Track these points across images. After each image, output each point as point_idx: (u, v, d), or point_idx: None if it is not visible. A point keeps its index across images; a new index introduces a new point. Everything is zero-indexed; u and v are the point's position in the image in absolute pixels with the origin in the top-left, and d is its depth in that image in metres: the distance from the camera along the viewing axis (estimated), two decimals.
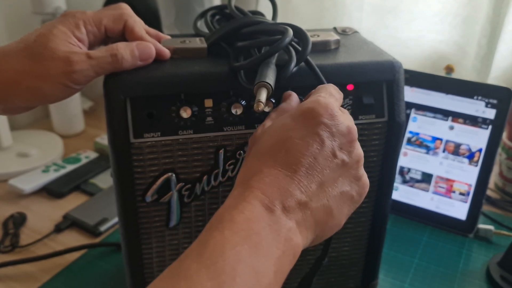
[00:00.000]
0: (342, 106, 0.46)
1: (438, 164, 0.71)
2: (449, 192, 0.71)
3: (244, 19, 0.47)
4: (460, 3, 0.89)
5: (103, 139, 0.90)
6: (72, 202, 0.76)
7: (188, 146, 0.44)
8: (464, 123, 0.70)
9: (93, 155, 0.88)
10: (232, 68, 0.43)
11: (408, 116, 0.73)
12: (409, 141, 0.73)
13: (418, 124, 0.73)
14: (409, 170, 0.73)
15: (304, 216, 0.34)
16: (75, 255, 0.65)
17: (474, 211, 0.69)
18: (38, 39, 0.41)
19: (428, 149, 0.72)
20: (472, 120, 0.69)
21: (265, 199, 0.33)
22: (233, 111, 0.44)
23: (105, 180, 0.81)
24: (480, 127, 0.69)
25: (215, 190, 0.47)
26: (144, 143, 0.43)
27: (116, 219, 0.70)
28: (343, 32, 0.54)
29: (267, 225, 0.32)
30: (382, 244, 0.54)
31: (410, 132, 0.73)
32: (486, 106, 0.68)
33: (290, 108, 0.41)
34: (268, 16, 0.51)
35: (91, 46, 0.45)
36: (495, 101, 0.68)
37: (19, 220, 0.72)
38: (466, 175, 0.70)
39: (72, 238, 0.69)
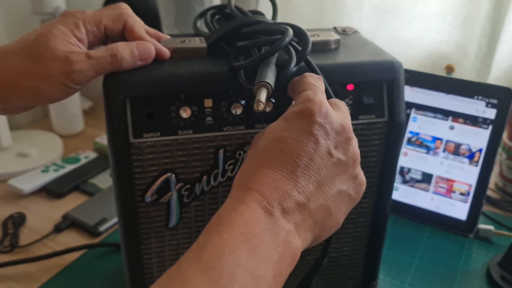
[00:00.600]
0: None
1: (438, 164, 0.71)
2: (449, 192, 0.71)
3: (244, 19, 0.47)
4: (460, 3, 0.88)
5: (103, 139, 0.90)
6: (72, 202, 0.76)
7: (188, 146, 0.44)
8: (465, 123, 0.70)
9: (92, 155, 0.88)
10: (232, 68, 0.43)
11: (408, 116, 0.73)
12: (409, 141, 0.73)
13: (418, 124, 0.73)
14: (409, 170, 0.73)
15: (303, 218, 0.34)
16: (75, 255, 0.65)
17: (474, 211, 0.69)
18: (37, 39, 0.41)
19: (428, 149, 0.72)
20: (473, 120, 0.69)
21: (263, 201, 0.33)
22: (233, 111, 0.44)
23: (104, 180, 0.81)
24: (481, 127, 0.69)
25: (214, 190, 0.47)
26: (144, 143, 0.43)
27: (115, 219, 0.70)
28: (343, 32, 0.54)
29: (266, 228, 0.32)
30: (382, 244, 0.54)
31: (410, 132, 0.73)
32: (487, 106, 0.68)
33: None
34: (268, 16, 0.51)
35: (90, 46, 0.45)
36: (495, 101, 0.68)
37: (18, 220, 0.72)
38: (466, 175, 0.70)
39: (72, 238, 0.68)
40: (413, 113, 0.73)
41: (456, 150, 0.70)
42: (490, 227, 0.69)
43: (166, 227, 0.47)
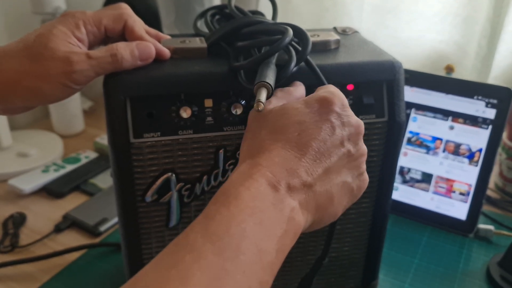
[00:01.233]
0: None
1: (438, 164, 0.71)
2: (449, 192, 0.71)
3: (244, 19, 0.47)
4: (460, 3, 0.89)
5: (103, 139, 0.90)
6: (72, 202, 0.76)
7: (188, 146, 0.44)
8: (464, 123, 0.70)
9: (93, 155, 0.88)
10: (232, 68, 0.43)
11: (408, 116, 0.73)
12: (409, 141, 0.73)
13: (418, 124, 0.73)
14: (409, 170, 0.73)
15: (307, 198, 0.35)
16: (75, 255, 0.65)
17: (474, 211, 0.69)
18: (38, 39, 0.41)
19: (428, 149, 0.72)
20: (472, 120, 0.69)
21: (272, 178, 0.33)
22: (233, 111, 0.44)
23: (105, 180, 0.81)
24: (480, 127, 0.69)
25: (215, 190, 0.47)
26: (144, 143, 0.43)
27: (116, 219, 0.70)
28: (343, 32, 0.54)
29: (271, 204, 0.33)
30: (382, 244, 0.54)
31: (410, 132, 0.73)
32: (486, 106, 0.68)
33: (297, 93, 0.41)
34: (268, 16, 0.51)
35: (91, 46, 0.45)
36: (495, 101, 0.68)
37: (18, 220, 0.72)
38: (466, 175, 0.70)
39: (72, 238, 0.69)
40: (413, 113, 0.73)
41: (456, 150, 0.70)
42: (490, 227, 0.69)
43: (167, 227, 0.47)
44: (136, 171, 0.44)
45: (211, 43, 0.47)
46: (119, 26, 0.45)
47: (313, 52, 0.46)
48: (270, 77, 0.39)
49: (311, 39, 0.43)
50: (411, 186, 0.73)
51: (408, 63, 0.94)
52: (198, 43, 0.47)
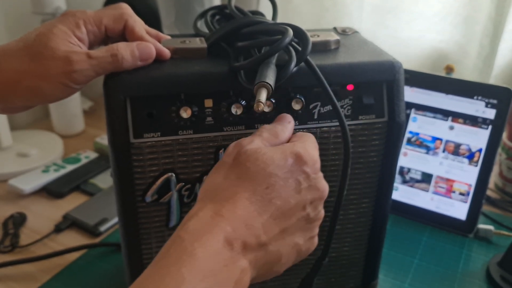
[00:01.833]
0: (341, 106, 0.46)
1: (438, 164, 0.71)
2: (449, 192, 0.71)
3: (244, 19, 0.47)
4: (461, 2, 0.89)
5: (103, 139, 0.90)
6: (72, 202, 0.76)
7: (188, 146, 0.44)
8: (464, 123, 0.70)
9: (93, 155, 0.88)
10: (232, 68, 0.43)
11: (408, 116, 0.73)
12: (409, 141, 0.73)
13: (418, 124, 0.73)
14: (409, 170, 0.73)
15: (258, 257, 0.35)
16: (75, 255, 0.65)
17: (474, 211, 0.69)
18: (38, 38, 0.41)
19: (428, 149, 0.72)
20: (472, 120, 0.69)
21: (230, 234, 0.33)
22: (233, 111, 0.44)
23: (105, 180, 0.81)
24: (480, 127, 0.69)
25: None
26: (144, 143, 0.43)
27: (116, 219, 0.70)
28: (343, 32, 0.54)
29: (224, 266, 0.32)
30: (382, 244, 0.54)
31: (410, 132, 0.73)
32: (486, 106, 0.68)
33: (283, 137, 0.40)
34: (268, 16, 0.51)
35: (91, 46, 0.45)
36: (495, 101, 0.68)
37: (19, 220, 0.72)
38: (466, 175, 0.70)
39: (72, 238, 0.69)
40: (413, 113, 0.73)
41: (455, 150, 0.70)
42: (490, 227, 0.69)
43: (167, 227, 0.47)
44: (136, 171, 0.44)
45: (211, 43, 0.47)
46: (119, 26, 0.45)
47: (313, 52, 0.46)
48: (270, 77, 0.39)
49: (311, 39, 0.43)
50: (411, 186, 0.73)
51: (408, 63, 0.94)
52: (198, 43, 0.47)
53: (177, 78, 0.43)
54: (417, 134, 0.73)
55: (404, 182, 0.73)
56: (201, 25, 0.52)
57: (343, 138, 0.43)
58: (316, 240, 0.40)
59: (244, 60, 0.43)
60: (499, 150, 0.76)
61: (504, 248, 0.63)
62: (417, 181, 0.73)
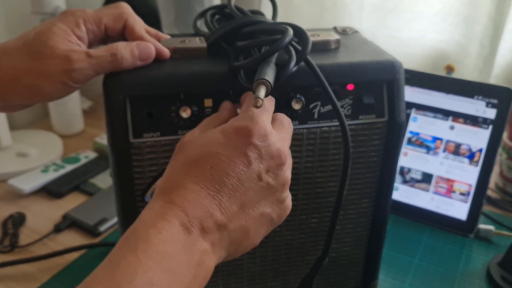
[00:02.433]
0: (342, 106, 0.46)
1: (439, 164, 0.71)
2: (449, 192, 0.71)
3: (244, 18, 0.47)
4: (461, 2, 0.88)
5: (103, 139, 0.90)
6: (72, 202, 0.76)
7: None
8: (465, 123, 0.70)
9: (92, 155, 0.88)
10: (232, 68, 0.43)
11: (408, 116, 0.73)
12: (409, 141, 0.73)
13: (418, 124, 0.73)
14: (409, 170, 0.73)
15: (221, 237, 0.34)
16: (75, 255, 0.65)
17: (475, 211, 0.69)
18: (37, 37, 0.41)
19: (428, 149, 0.72)
20: (473, 120, 0.69)
21: (184, 218, 0.32)
22: None
23: (104, 180, 0.81)
24: (481, 127, 0.69)
25: None
26: (144, 143, 0.43)
27: (115, 219, 0.70)
28: (343, 32, 0.54)
29: (182, 248, 0.31)
30: (382, 244, 0.54)
31: (411, 132, 0.73)
32: (487, 106, 0.68)
33: (222, 118, 0.40)
34: (268, 15, 0.51)
35: (90, 45, 0.45)
36: (495, 101, 0.68)
37: (18, 220, 0.71)
38: (467, 175, 0.70)
39: (72, 238, 0.68)
40: (413, 113, 0.73)
41: (456, 150, 0.70)
42: (490, 227, 0.69)
43: None
44: (135, 171, 0.44)
45: (211, 43, 0.47)
46: (119, 25, 0.45)
47: (313, 52, 0.46)
48: (270, 75, 0.39)
49: (311, 39, 0.43)
50: (411, 186, 0.73)
51: (409, 63, 0.94)
52: (198, 43, 0.47)
53: (177, 77, 0.42)
54: (418, 134, 0.73)
55: (405, 182, 0.73)
56: (200, 24, 0.52)
57: (343, 138, 0.43)
58: (288, 202, 0.38)
59: (244, 60, 0.43)
60: (500, 150, 0.76)
61: (505, 248, 0.63)
62: (418, 181, 0.73)
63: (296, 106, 0.44)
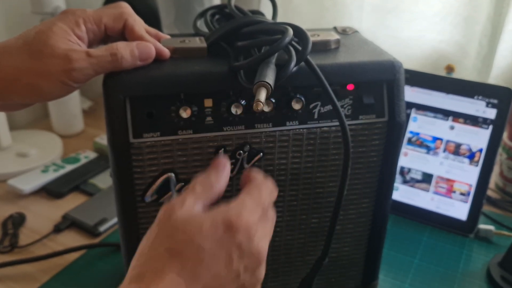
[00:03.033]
0: (342, 106, 0.46)
1: (439, 164, 0.71)
2: (449, 192, 0.71)
3: (244, 18, 0.47)
4: (461, 2, 0.88)
5: (103, 139, 0.90)
6: (72, 202, 0.76)
7: (188, 146, 0.44)
8: (465, 123, 0.70)
9: (92, 155, 0.88)
10: (232, 68, 0.43)
11: (408, 116, 0.73)
12: (409, 141, 0.73)
13: (418, 124, 0.73)
14: (409, 170, 0.73)
15: None
16: (75, 255, 0.65)
17: (475, 211, 0.69)
18: (37, 36, 0.41)
19: (428, 149, 0.72)
20: (473, 120, 0.69)
21: None
22: (233, 111, 0.44)
23: (104, 180, 0.81)
24: (481, 127, 0.69)
25: None
26: (144, 143, 0.43)
27: (115, 219, 0.70)
28: (343, 32, 0.54)
29: None
30: (382, 244, 0.54)
31: (411, 132, 0.73)
32: (487, 106, 0.68)
33: (219, 186, 0.40)
34: (268, 15, 0.51)
35: (90, 45, 0.45)
36: (495, 101, 0.68)
37: (18, 220, 0.71)
38: (467, 175, 0.70)
39: (72, 238, 0.68)
40: (413, 113, 0.73)
41: (456, 150, 0.70)
42: (490, 227, 0.69)
43: None
44: (135, 171, 0.44)
45: (211, 42, 0.47)
46: (119, 25, 0.45)
47: (313, 52, 0.46)
48: (270, 77, 0.39)
49: (311, 39, 0.43)
50: (412, 186, 0.73)
51: (408, 63, 0.94)
52: (198, 42, 0.47)
53: (177, 77, 0.42)
54: (418, 134, 0.73)
55: (405, 182, 0.73)
56: (200, 24, 0.52)
57: (343, 138, 0.43)
58: None
59: (244, 60, 0.43)
60: (500, 150, 0.76)
61: (505, 248, 0.63)
62: (418, 181, 0.73)
63: (296, 106, 0.44)
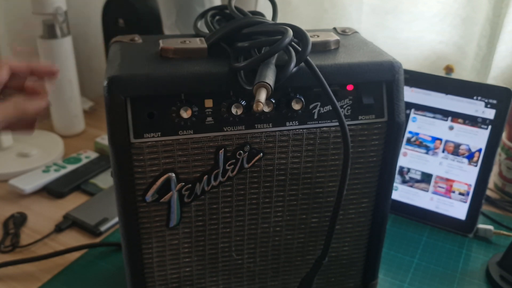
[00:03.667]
0: (341, 106, 0.46)
1: (438, 164, 0.72)
2: (448, 192, 0.71)
3: (244, 19, 0.47)
4: (460, 3, 0.89)
5: (104, 139, 0.90)
6: (73, 202, 0.77)
7: (188, 146, 0.44)
8: (464, 123, 0.70)
9: (93, 155, 0.88)
10: (232, 69, 0.43)
11: (407, 116, 0.73)
12: (408, 141, 0.73)
13: (417, 124, 0.73)
14: (408, 170, 0.73)
15: None
16: (76, 255, 0.65)
17: (474, 211, 0.69)
18: None
19: (427, 149, 0.72)
20: (472, 120, 0.69)
21: None
22: (233, 111, 0.44)
23: (105, 180, 0.81)
24: (480, 127, 0.69)
25: (215, 190, 0.47)
26: (145, 143, 0.43)
27: (116, 219, 0.71)
28: (343, 33, 0.54)
29: None
30: (381, 244, 0.54)
31: (410, 132, 0.73)
32: (486, 106, 0.69)
33: None
34: (268, 16, 0.51)
35: None
36: (494, 101, 0.68)
37: (19, 220, 0.72)
38: (466, 175, 0.70)
39: (73, 238, 0.69)
40: (412, 113, 0.73)
41: (455, 150, 0.71)
42: (490, 227, 0.69)
43: (167, 226, 0.47)
44: (136, 171, 0.44)
45: (211, 43, 0.47)
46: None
47: (313, 53, 0.46)
48: (270, 77, 0.39)
49: (311, 40, 0.43)
50: (411, 186, 0.73)
51: (408, 63, 0.94)
52: (198, 43, 0.47)
53: (177, 78, 0.43)
54: (417, 134, 0.73)
55: (404, 182, 0.73)
56: (201, 25, 0.53)
57: (343, 138, 0.43)
58: None
59: (244, 61, 0.43)
60: (499, 150, 0.77)
61: (504, 247, 0.63)
62: (417, 181, 0.73)
63: (296, 106, 0.45)
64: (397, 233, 0.70)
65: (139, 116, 0.43)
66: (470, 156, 0.70)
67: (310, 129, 0.46)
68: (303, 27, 0.44)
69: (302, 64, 0.43)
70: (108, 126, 0.43)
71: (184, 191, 0.46)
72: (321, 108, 0.46)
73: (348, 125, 0.46)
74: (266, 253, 0.52)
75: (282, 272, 0.53)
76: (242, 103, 0.44)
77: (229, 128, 0.45)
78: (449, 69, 0.86)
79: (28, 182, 0.78)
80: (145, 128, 0.43)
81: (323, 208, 0.50)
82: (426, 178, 0.72)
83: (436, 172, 0.72)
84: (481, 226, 0.69)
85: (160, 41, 0.47)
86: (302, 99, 0.45)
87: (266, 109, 0.44)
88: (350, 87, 0.46)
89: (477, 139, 0.69)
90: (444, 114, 0.71)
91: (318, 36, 0.49)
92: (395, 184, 0.73)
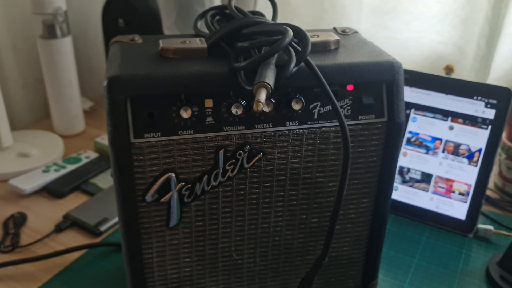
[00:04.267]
0: (341, 106, 0.46)
1: (438, 164, 0.72)
2: (448, 192, 0.71)
3: (244, 19, 0.47)
4: (459, 4, 0.89)
5: (104, 139, 0.90)
6: (73, 202, 0.77)
7: (188, 146, 0.44)
8: (464, 123, 0.70)
9: (93, 155, 0.88)
10: (232, 69, 0.43)
11: (407, 116, 0.73)
12: (408, 141, 0.73)
13: (417, 124, 0.73)
14: (408, 170, 0.73)
15: None
16: (76, 255, 0.65)
17: (474, 211, 0.69)
18: None
19: (427, 149, 0.72)
20: (472, 120, 0.69)
21: None
22: (233, 111, 0.44)
23: (105, 180, 0.81)
24: (480, 127, 0.69)
25: (215, 190, 0.47)
26: (145, 143, 0.43)
27: (116, 219, 0.71)
28: (343, 33, 0.54)
29: None
30: (381, 244, 0.54)
31: (410, 132, 0.73)
32: (486, 106, 0.69)
33: None
34: (268, 16, 0.51)
35: None
36: (494, 101, 0.68)
37: (19, 220, 0.72)
38: (466, 175, 0.70)
39: (73, 238, 0.69)
40: (412, 113, 0.73)
41: (455, 150, 0.71)
42: (490, 227, 0.69)
43: (167, 226, 0.47)
44: (136, 171, 0.44)
45: (211, 43, 0.47)
46: None
47: (313, 53, 0.46)
48: (270, 77, 0.39)
49: (311, 40, 0.43)
50: (411, 186, 0.73)
51: (407, 64, 0.94)
52: (198, 43, 0.47)
53: (177, 78, 0.43)
54: (417, 134, 0.73)
55: (404, 182, 0.74)
56: (201, 25, 0.53)
57: (343, 138, 0.43)
58: None
59: (244, 61, 0.43)
60: (499, 150, 0.77)
61: (504, 247, 0.63)
62: (417, 181, 0.73)
63: (296, 106, 0.45)
64: (397, 233, 0.70)
65: (139, 116, 0.43)
66: (470, 156, 0.70)
67: (310, 129, 0.46)
68: (303, 27, 0.44)
69: (302, 64, 0.43)
70: (108, 126, 0.43)
71: (184, 191, 0.46)
72: (321, 108, 0.46)
73: (348, 125, 0.46)
74: (266, 253, 0.52)
75: (282, 272, 0.53)
76: (242, 103, 0.44)
77: (229, 128, 0.45)
78: (449, 69, 0.86)
79: (28, 182, 0.78)
80: (145, 128, 0.43)
81: (323, 208, 0.50)
82: (426, 178, 0.72)
83: (436, 172, 0.72)
84: (481, 226, 0.69)
85: (160, 41, 0.47)
86: (302, 99, 0.45)
87: (266, 109, 0.44)
88: (350, 87, 0.46)
89: (477, 139, 0.69)
90: (444, 114, 0.71)
91: (318, 36, 0.49)
92: (395, 184, 0.73)
